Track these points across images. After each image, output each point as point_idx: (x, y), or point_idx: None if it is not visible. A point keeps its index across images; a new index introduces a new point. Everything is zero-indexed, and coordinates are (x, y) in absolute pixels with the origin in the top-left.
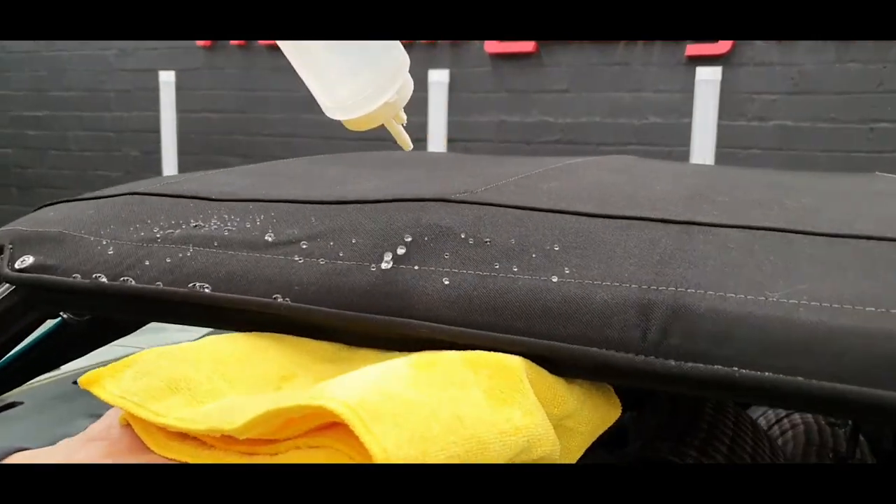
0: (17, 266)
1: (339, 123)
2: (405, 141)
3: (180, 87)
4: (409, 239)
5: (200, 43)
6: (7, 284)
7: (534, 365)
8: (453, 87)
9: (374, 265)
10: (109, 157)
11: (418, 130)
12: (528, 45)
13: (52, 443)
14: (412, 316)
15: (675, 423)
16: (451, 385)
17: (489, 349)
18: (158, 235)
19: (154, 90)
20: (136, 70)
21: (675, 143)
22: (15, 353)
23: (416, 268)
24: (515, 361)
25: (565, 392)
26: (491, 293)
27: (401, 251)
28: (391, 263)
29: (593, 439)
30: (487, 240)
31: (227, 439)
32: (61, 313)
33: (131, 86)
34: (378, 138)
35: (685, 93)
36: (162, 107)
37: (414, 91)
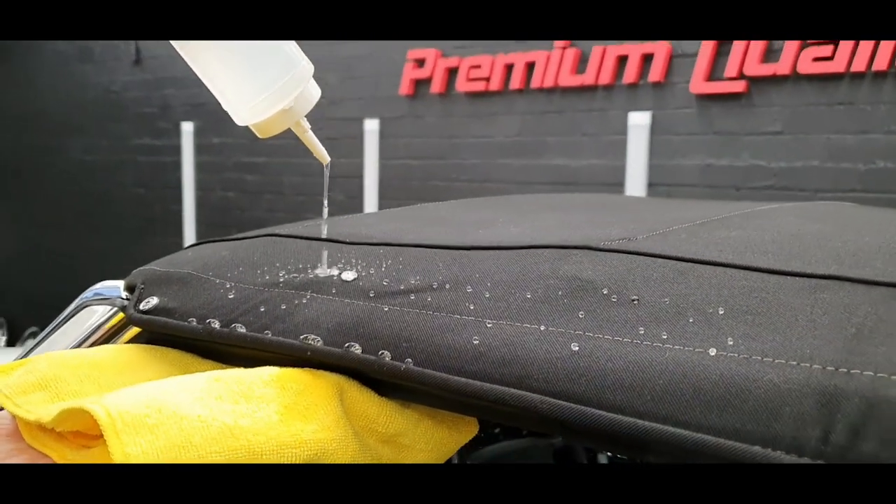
0: (141, 307)
1: (534, 167)
2: (319, 152)
3: (384, 135)
4: (540, 293)
5: (403, 91)
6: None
7: (361, 386)
8: (655, 129)
9: (491, 322)
10: (318, 202)
11: (616, 174)
12: (737, 85)
13: None
14: (529, 388)
15: None
16: (244, 399)
17: (624, 438)
18: (282, 279)
19: (359, 138)
20: (343, 119)
21: None
22: None
23: (542, 328)
24: (329, 381)
25: (393, 412)
26: (629, 366)
27: (527, 307)
28: (514, 322)
29: (445, 456)
30: (635, 298)
31: (77, 434)
32: None
33: (338, 133)
34: (571, 182)
35: None
36: (366, 154)
37: (611, 134)
